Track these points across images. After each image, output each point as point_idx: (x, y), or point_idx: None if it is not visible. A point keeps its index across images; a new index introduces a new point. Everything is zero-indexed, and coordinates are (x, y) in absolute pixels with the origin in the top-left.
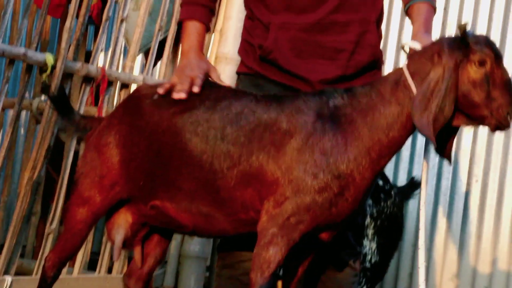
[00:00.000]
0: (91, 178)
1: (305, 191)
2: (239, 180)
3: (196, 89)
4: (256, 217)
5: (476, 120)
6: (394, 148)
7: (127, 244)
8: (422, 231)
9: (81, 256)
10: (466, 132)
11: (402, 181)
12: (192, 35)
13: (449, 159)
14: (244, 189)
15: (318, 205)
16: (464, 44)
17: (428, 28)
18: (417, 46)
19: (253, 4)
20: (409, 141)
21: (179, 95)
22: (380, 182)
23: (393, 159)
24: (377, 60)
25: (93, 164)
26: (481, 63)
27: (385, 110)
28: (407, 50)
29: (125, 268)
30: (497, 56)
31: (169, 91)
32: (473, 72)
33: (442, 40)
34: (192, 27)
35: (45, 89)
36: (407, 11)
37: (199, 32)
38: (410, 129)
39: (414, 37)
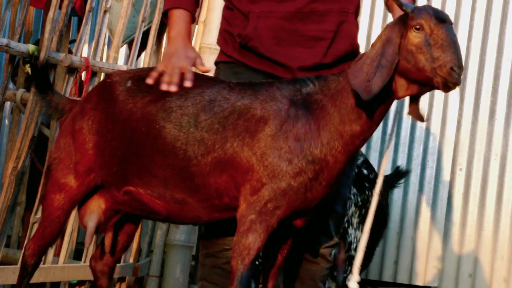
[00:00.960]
0: (66, 164)
1: (280, 177)
2: (214, 167)
3: (188, 84)
4: (230, 203)
5: (425, 84)
6: (368, 126)
7: (100, 229)
8: (370, 217)
9: (67, 246)
10: (450, 121)
11: (387, 169)
12: (180, 23)
13: (421, 119)
14: (218, 176)
15: (294, 190)
16: (405, 15)
17: None
18: None
19: None
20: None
21: (170, 88)
22: (365, 171)
23: (378, 148)
24: (355, 50)
25: (68, 150)
26: (419, 27)
27: (351, 90)
28: None
29: None
30: (437, 18)
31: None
32: (413, 37)
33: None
34: (179, 15)
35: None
36: (387, 3)
37: (186, 19)
38: (382, 108)
39: None
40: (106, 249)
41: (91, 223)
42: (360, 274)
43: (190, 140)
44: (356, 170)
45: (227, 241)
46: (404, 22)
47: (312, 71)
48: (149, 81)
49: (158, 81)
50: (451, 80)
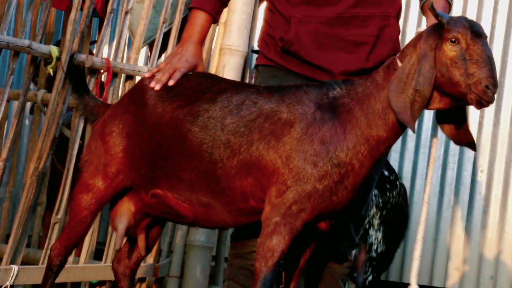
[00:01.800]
0: (95, 166)
1: (305, 180)
2: (239, 170)
3: (171, 82)
4: (256, 206)
5: (458, 99)
6: (393, 132)
7: (130, 232)
8: (422, 225)
9: (87, 245)
10: (471, 123)
11: (407, 171)
12: (196, 26)
13: (472, 147)
14: (244, 178)
15: (319, 193)
16: (440, 25)
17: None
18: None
19: None
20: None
21: (156, 86)
22: (386, 173)
23: (398, 149)
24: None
25: (98, 152)
26: (455, 41)
27: (379, 95)
28: None
29: None
30: (473, 32)
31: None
32: (448, 50)
33: (427, 27)
34: (198, 18)
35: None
36: (422, 6)
37: (203, 24)
38: None
39: None
40: (142, 251)
41: (121, 225)
42: (379, 276)
43: (216, 143)
44: None
45: (256, 243)
46: (439, 33)
47: (354, 76)
48: (147, 75)
49: (181, 87)
50: (485, 98)
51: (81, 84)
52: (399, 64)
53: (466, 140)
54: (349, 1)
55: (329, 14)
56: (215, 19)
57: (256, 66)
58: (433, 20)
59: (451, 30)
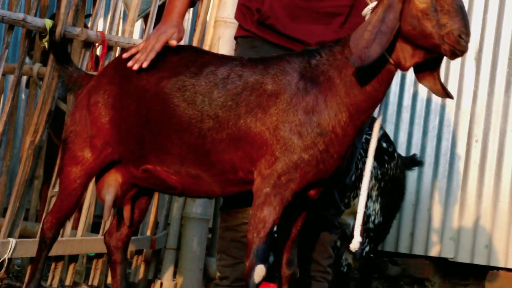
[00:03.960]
0: (82, 137)
1: (292, 150)
2: (228, 144)
3: (144, 64)
4: (244, 177)
5: (432, 51)
6: (371, 102)
7: (117, 203)
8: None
9: (84, 219)
10: (466, 93)
11: (402, 141)
12: (176, 3)
13: (449, 96)
14: (233, 152)
15: (305, 163)
16: None
17: None
18: None
19: None
20: (409, 102)
21: (134, 66)
22: (384, 145)
23: (393, 120)
24: None
25: (83, 123)
26: None
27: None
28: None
29: None
30: None
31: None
32: (418, 2)
33: None
34: None
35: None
36: None
37: (183, 1)
38: (385, 81)
39: None
40: (126, 221)
41: (108, 196)
42: (377, 247)
43: (204, 117)
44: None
45: (246, 214)
46: None
47: None
48: (125, 55)
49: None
50: (459, 48)
51: (62, 54)
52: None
53: (443, 91)
54: None
55: None
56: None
57: (235, 38)
58: None
59: None
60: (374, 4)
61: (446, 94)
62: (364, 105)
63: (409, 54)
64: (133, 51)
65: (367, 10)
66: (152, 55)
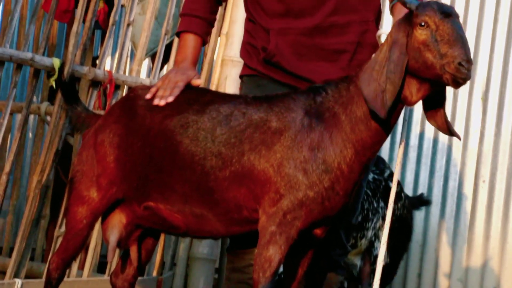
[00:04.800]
0: (89, 177)
1: (297, 187)
2: (232, 181)
3: (170, 99)
4: (249, 216)
5: (436, 82)
6: (377, 137)
7: (122, 244)
8: (386, 229)
9: (91, 259)
10: (473, 133)
11: (409, 181)
12: (187, 48)
13: (455, 135)
14: (237, 189)
15: (311, 200)
16: (410, 13)
17: None
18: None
19: (252, 8)
20: (416, 142)
21: (159, 102)
22: (391, 185)
23: (402, 161)
24: None
25: (90, 163)
26: (424, 24)
27: (360, 100)
28: (381, 40)
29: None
30: (442, 13)
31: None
32: (419, 34)
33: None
34: (188, 40)
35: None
36: (391, 9)
37: (195, 45)
38: (392, 116)
39: None
40: (133, 262)
41: (112, 237)
42: (384, 287)
43: (207, 155)
44: (384, 183)
45: (253, 256)
46: (409, 21)
47: None
48: (148, 95)
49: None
50: (459, 76)
51: (72, 95)
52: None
53: (447, 128)
54: (326, 10)
55: (307, 24)
56: (204, 41)
57: (240, 76)
58: (399, 12)
59: (419, 15)
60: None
61: (451, 133)
62: (370, 141)
63: (415, 88)
64: (153, 90)
65: (383, 35)
66: (176, 92)
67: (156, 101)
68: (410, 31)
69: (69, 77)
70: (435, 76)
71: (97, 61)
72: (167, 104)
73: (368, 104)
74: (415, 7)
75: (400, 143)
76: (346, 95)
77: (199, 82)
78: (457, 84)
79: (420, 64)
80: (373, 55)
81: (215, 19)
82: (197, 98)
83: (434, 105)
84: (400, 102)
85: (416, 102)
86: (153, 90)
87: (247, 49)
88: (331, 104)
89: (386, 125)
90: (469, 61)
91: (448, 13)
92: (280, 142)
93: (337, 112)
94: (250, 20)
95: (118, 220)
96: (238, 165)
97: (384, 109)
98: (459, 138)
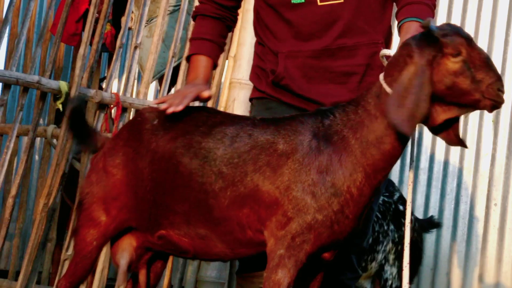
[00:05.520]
0: (99, 199)
1: (305, 210)
2: (233, 200)
3: (179, 108)
4: (253, 237)
5: (470, 106)
6: (389, 161)
7: (132, 267)
8: (407, 251)
9: (98, 282)
10: (484, 155)
11: (420, 204)
12: (198, 68)
13: (463, 145)
14: (238, 209)
15: (319, 224)
16: (433, 40)
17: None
18: (391, 53)
19: (261, 32)
20: (426, 164)
21: (168, 110)
22: (401, 207)
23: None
24: None
25: (100, 185)
26: (457, 54)
27: (372, 125)
28: (385, 60)
29: None
30: (468, 39)
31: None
32: (452, 64)
33: (409, 42)
34: (199, 61)
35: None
36: (399, 29)
37: (206, 65)
38: (401, 144)
39: None
40: (142, 286)
41: (123, 261)
42: None
43: (206, 172)
44: (393, 206)
45: (262, 279)
46: (433, 48)
47: None
48: (153, 102)
49: (176, 120)
50: (499, 100)
51: (79, 118)
52: (388, 89)
53: (457, 139)
54: (335, 33)
55: (315, 47)
56: (215, 64)
57: (250, 99)
58: (405, 32)
59: (451, 45)
60: (387, 52)
61: (461, 142)
62: (382, 164)
63: (441, 111)
64: (162, 99)
65: (383, 54)
66: (186, 101)
67: (163, 106)
68: (437, 59)
69: (78, 101)
70: (471, 102)
71: (104, 83)
72: (175, 127)
73: (397, 128)
74: (441, 35)
75: (411, 165)
76: (354, 119)
77: (209, 93)
78: (495, 109)
79: (453, 91)
80: (389, 89)
81: (225, 43)
82: (206, 120)
83: (449, 122)
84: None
85: (439, 124)
86: (162, 99)
87: (256, 72)
88: (340, 127)
89: (399, 147)
90: (503, 85)
91: (471, 37)
92: (287, 165)
93: (346, 135)
94: (259, 44)
95: (128, 243)
96: (240, 185)
97: (412, 131)
98: (466, 147)
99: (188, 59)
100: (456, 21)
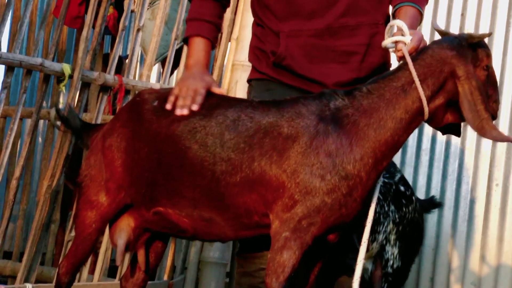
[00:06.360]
0: (97, 181)
1: (313, 193)
2: (242, 187)
3: (195, 107)
4: (259, 221)
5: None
6: (396, 150)
7: (130, 247)
8: (367, 227)
9: (101, 263)
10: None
11: (421, 185)
12: (198, 52)
13: (457, 134)
14: (247, 195)
15: (328, 207)
16: (473, 50)
17: (412, 26)
18: (404, 26)
19: (261, 12)
20: (428, 145)
21: (182, 111)
22: (402, 188)
23: (412, 164)
24: (386, 62)
25: (98, 167)
26: (487, 67)
27: (390, 113)
28: (395, 30)
29: None
30: (490, 56)
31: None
32: (482, 75)
33: (443, 45)
34: (199, 44)
35: (58, 111)
36: (394, 13)
37: (205, 49)
38: (412, 130)
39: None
40: (141, 266)
41: (120, 241)
42: None
43: (217, 160)
44: (394, 187)
45: (263, 260)
46: (473, 59)
47: (348, 86)
48: (168, 106)
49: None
50: (496, 116)
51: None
52: (420, 90)
53: (451, 128)
54: (337, 12)
55: (317, 26)
56: (213, 45)
57: (248, 80)
58: (404, 15)
59: (484, 58)
60: (395, 38)
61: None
62: (391, 152)
63: (449, 115)
64: (172, 99)
65: (388, 42)
66: (199, 99)
67: (179, 111)
68: (475, 66)
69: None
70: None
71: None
72: (173, 109)
73: (473, 127)
74: (478, 44)
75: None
76: (368, 105)
77: (220, 91)
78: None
79: (469, 100)
80: (404, 48)
81: (221, 24)
82: (203, 102)
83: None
84: (423, 118)
85: (443, 124)
86: (171, 99)
87: (255, 53)
88: (350, 111)
89: (406, 137)
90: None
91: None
92: (294, 148)
93: (358, 120)
94: (258, 25)
95: (126, 224)
96: (248, 171)
97: (486, 130)
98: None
99: (186, 40)
100: (455, 20)
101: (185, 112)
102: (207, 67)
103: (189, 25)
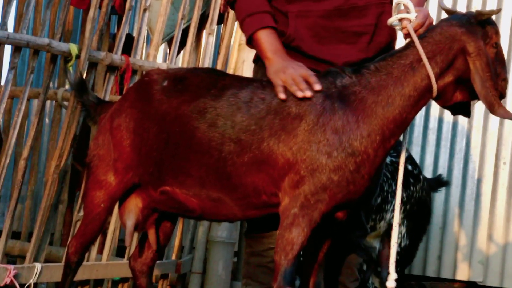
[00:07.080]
0: (106, 161)
1: (320, 170)
2: (250, 167)
3: (318, 87)
4: (268, 200)
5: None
6: (404, 128)
7: (139, 228)
8: (397, 211)
9: (109, 243)
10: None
11: (429, 164)
12: (273, 42)
13: (466, 114)
14: (255, 175)
15: (335, 184)
16: (482, 27)
17: (419, 3)
18: (409, 3)
19: None
20: (435, 124)
21: (305, 93)
22: (409, 167)
23: (420, 143)
24: (393, 40)
25: (107, 147)
26: (496, 45)
27: (398, 90)
28: (402, 8)
29: None
30: (499, 33)
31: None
32: (491, 53)
33: (452, 23)
34: (269, 35)
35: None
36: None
37: (277, 37)
38: (420, 108)
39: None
40: (152, 245)
41: (129, 221)
42: (403, 270)
43: (225, 140)
44: None
45: (272, 239)
46: (483, 36)
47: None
48: (282, 95)
49: (187, 82)
50: (505, 94)
51: (84, 90)
52: (428, 67)
53: (461, 109)
54: None
55: (327, 7)
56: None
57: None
58: None
59: (494, 35)
60: (400, 15)
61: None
62: (398, 130)
63: (458, 93)
64: (281, 89)
65: (393, 20)
66: (316, 79)
67: (300, 94)
68: (486, 43)
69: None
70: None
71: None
72: (185, 89)
73: (483, 101)
74: (487, 22)
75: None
76: (376, 82)
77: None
78: (501, 99)
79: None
80: (429, 65)
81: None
82: (215, 83)
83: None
84: (431, 95)
85: (451, 103)
86: (280, 89)
87: None
88: (357, 89)
89: (414, 115)
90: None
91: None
92: (301, 126)
93: (365, 97)
94: None
95: (134, 204)
96: (257, 151)
97: (496, 107)
98: (468, 117)
99: (250, 40)
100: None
101: (308, 93)
102: (287, 54)
103: (251, 19)
